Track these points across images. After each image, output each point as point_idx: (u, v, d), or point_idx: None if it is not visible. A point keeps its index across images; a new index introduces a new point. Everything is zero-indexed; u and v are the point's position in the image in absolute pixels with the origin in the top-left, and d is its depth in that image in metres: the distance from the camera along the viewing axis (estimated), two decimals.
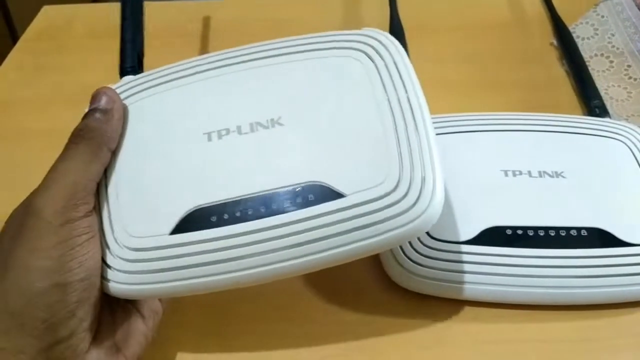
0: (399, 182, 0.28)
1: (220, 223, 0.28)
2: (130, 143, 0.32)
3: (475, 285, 0.36)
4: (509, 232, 0.36)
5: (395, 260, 0.36)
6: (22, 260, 0.26)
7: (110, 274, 0.29)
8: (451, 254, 0.36)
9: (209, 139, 0.31)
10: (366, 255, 0.28)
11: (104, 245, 0.29)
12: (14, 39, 1.14)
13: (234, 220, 0.28)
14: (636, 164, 0.40)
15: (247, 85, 0.32)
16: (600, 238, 0.36)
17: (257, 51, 0.34)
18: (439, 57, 0.56)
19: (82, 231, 0.28)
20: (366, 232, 0.27)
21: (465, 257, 0.36)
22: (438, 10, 0.62)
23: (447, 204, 0.38)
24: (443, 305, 0.37)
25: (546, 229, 0.36)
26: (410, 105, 0.30)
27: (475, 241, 0.36)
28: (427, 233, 0.36)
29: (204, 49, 0.58)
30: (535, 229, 0.36)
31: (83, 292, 0.27)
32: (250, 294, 0.38)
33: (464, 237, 0.36)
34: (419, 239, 0.36)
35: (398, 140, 0.29)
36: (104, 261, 0.29)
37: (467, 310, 0.37)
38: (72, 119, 0.50)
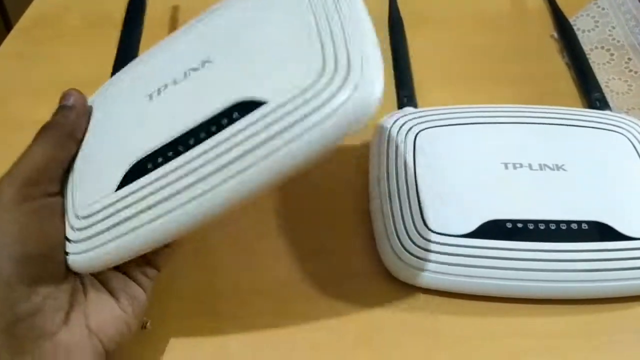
0: (322, 71, 0.26)
1: (156, 166, 0.28)
2: (94, 124, 0.33)
3: (474, 278, 0.35)
4: (509, 225, 0.36)
5: (394, 253, 0.36)
6: None
7: (69, 247, 0.29)
8: (450, 247, 0.35)
9: (150, 99, 0.32)
10: (310, 158, 0.26)
11: (67, 224, 0.30)
12: (8, 27, 1.13)
13: (167, 160, 0.28)
14: (637, 156, 0.40)
15: (184, 43, 0.34)
16: (601, 231, 0.36)
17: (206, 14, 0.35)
18: (438, 50, 0.56)
19: (41, 209, 0.29)
20: (296, 130, 0.25)
21: (465, 251, 0.35)
22: (438, 3, 0.62)
23: (447, 197, 0.37)
24: (442, 298, 0.37)
25: (546, 222, 0.36)
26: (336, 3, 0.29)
27: (475, 234, 0.36)
28: (426, 225, 0.36)
29: None
30: (536, 222, 0.36)
31: (43, 268, 0.28)
32: (245, 286, 0.38)
33: (464, 230, 0.36)
34: (417, 231, 0.36)
35: (321, 37, 0.27)
36: (66, 238, 0.29)
37: (467, 303, 0.36)
38: None
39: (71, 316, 0.29)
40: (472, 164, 0.39)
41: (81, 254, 0.29)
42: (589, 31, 0.56)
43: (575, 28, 0.56)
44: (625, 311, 0.36)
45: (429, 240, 0.36)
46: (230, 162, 0.26)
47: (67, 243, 0.29)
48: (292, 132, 0.25)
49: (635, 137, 0.41)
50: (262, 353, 0.35)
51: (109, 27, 0.59)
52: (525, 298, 0.36)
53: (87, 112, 0.34)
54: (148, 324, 0.35)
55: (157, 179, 0.28)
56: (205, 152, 0.27)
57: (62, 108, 0.33)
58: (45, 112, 0.50)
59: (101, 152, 0.31)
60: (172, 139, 0.28)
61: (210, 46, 0.32)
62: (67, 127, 0.32)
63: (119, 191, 0.29)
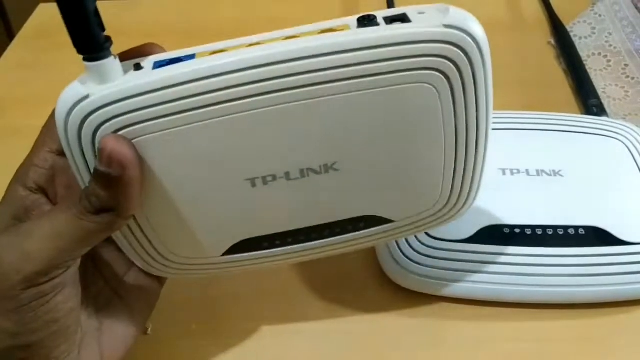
0: (446, 204, 0.30)
1: (271, 247, 0.30)
2: (160, 178, 0.26)
3: (472, 284, 0.36)
4: (506, 230, 0.36)
5: (393, 258, 0.36)
6: None
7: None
8: (449, 252, 0.36)
9: (253, 185, 0.27)
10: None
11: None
12: (11, 37, 1.14)
13: (285, 244, 0.30)
14: (634, 162, 0.40)
15: (290, 121, 0.25)
16: (598, 237, 0.36)
17: (310, 68, 0.25)
18: None
19: (48, 291, 0.24)
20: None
21: (463, 256, 0.36)
22: None
23: None
24: (440, 303, 0.37)
25: (544, 227, 0.36)
26: (477, 126, 0.28)
27: (472, 240, 0.36)
28: (425, 232, 0.36)
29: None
30: (533, 227, 0.36)
31: (54, 341, 0.25)
32: (244, 291, 0.38)
33: (462, 235, 0.36)
34: (416, 237, 0.36)
35: (455, 168, 0.28)
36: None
37: (465, 309, 0.37)
38: None
39: (86, 335, 0.28)
40: None
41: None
42: (585, 38, 0.57)
43: (572, 35, 0.56)
44: (622, 315, 0.36)
45: (427, 246, 0.36)
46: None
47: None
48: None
49: (632, 143, 0.41)
50: (260, 357, 0.35)
51: (110, 36, 0.59)
52: (523, 303, 0.36)
53: (139, 177, 0.25)
54: (149, 329, 0.35)
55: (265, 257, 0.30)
56: (326, 245, 0.30)
57: (103, 178, 0.24)
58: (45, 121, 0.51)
59: (193, 216, 0.27)
60: (292, 229, 0.29)
61: (331, 146, 0.26)
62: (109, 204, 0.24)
63: (225, 256, 0.29)
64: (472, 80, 0.26)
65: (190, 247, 0.29)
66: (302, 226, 0.29)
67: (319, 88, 0.24)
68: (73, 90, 0.25)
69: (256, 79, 0.24)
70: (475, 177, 0.29)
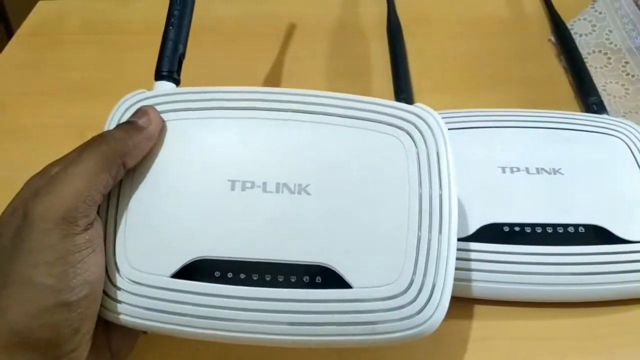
0: (409, 286, 0.28)
1: (221, 280, 0.28)
2: (152, 168, 0.30)
3: (472, 282, 0.36)
4: (506, 229, 0.36)
5: None
6: (24, 276, 0.25)
7: (107, 301, 0.28)
8: None
9: (232, 189, 0.29)
10: (360, 347, 0.28)
11: (108, 259, 0.29)
12: (9, 34, 1.14)
13: (236, 281, 0.28)
14: (633, 160, 0.40)
15: (284, 141, 0.31)
16: (598, 235, 0.36)
17: (308, 102, 0.32)
18: (436, 53, 0.56)
19: (83, 246, 0.26)
20: (363, 329, 0.27)
21: (463, 254, 0.36)
22: (435, 6, 0.62)
23: None
24: None
25: (543, 225, 0.36)
26: (440, 205, 0.29)
27: (472, 238, 0.36)
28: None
29: (199, 48, 0.58)
30: (533, 225, 0.36)
31: (87, 308, 0.26)
32: None
33: (462, 234, 0.36)
34: None
35: (419, 242, 0.28)
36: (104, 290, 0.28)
37: (464, 307, 0.37)
38: (68, 115, 0.51)
39: (97, 343, 0.28)
40: (469, 167, 0.39)
41: (118, 315, 0.28)
42: (586, 35, 0.56)
43: (572, 32, 0.56)
44: (622, 314, 0.36)
45: None
46: (294, 324, 0.27)
47: (103, 295, 0.28)
48: (359, 329, 0.27)
49: (632, 140, 0.41)
50: (261, 356, 0.35)
51: (109, 33, 0.59)
52: (523, 301, 0.36)
53: (153, 139, 0.30)
54: None
55: (219, 295, 0.28)
56: (276, 299, 0.28)
57: (128, 124, 0.29)
58: (46, 117, 0.51)
59: (164, 214, 0.29)
60: (249, 260, 0.28)
61: (309, 172, 0.30)
62: (121, 148, 0.28)
63: (175, 280, 0.28)
64: (436, 158, 0.30)
65: (147, 255, 0.29)
66: (260, 256, 0.28)
67: (314, 114, 0.31)
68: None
69: (266, 98, 0.32)
70: (438, 273, 0.28)
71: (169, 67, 0.35)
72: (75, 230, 0.26)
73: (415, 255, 0.28)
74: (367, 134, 0.31)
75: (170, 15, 0.37)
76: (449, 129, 0.41)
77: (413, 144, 0.31)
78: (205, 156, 0.31)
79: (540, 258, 0.35)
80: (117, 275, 0.28)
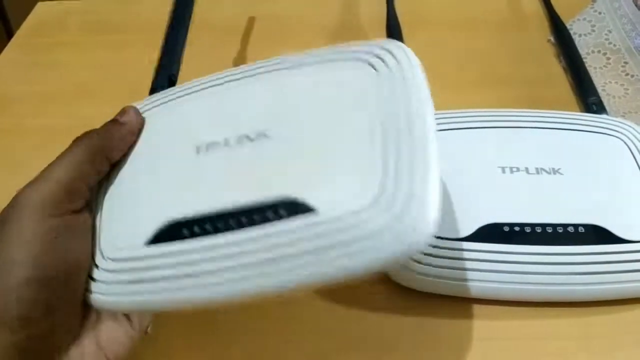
0: (379, 196, 0.25)
1: (191, 236, 0.28)
2: (130, 158, 0.32)
3: (472, 282, 0.36)
4: (506, 228, 0.36)
5: None
6: (3, 253, 0.26)
7: (93, 285, 0.28)
8: (448, 250, 0.36)
9: (197, 152, 0.30)
10: (349, 278, 0.25)
11: (94, 251, 0.29)
12: (9, 35, 1.14)
13: (204, 234, 0.28)
14: (633, 160, 0.40)
15: (245, 99, 0.32)
16: (597, 235, 0.36)
17: (262, 65, 0.33)
18: (435, 54, 0.56)
19: (64, 229, 0.27)
20: (340, 250, 0.25)
21: (462, 254, 0.36)
22: (435, 7, 0.62)
23: (445, 201, 0.37)
24: (440, 302, 0.37)
25: (543, 225, 0.36)
26: (408, 119, 0.27)
27: (472, 238, 0.36)
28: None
29: (197, 47, 0.58)
30: (533, 225, 0.36)
31: (64, 289, 0.27)
32: None
33: (461, 233, 0.36)
34: None
35: (386, 154, 0.26)
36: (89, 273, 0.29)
37: (464, 307, 0.37)
38: (67, 115, 0.51)
39: (82, 333, 0.29)
40: (469, 167, 0.39)
41: (104, 296, 0.28)
42: (585, 35, 0.57)
43: (571, 32, 0.56)
44: (622, 314, 0.36)
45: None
46: (266, 262, 0.26)
47: (89, 279, 0.29)
48: (332, 253, 0.25)
49: (631, 140, 0.41)
50: (261, 356, 0.35)
51: (109, 34, 0.59)
52: (522, 301, 0.36)
53: (134, 133, 0.32)
54: (149, 328, 0.35)
55: (190, 251, 0.27)
56: (243, 241, 0.27)
57: (112, 122, 0.32)
58: (46, 118, 0.51)
59: (136, 190, 0.31)
60: (213, 212, 0.28)
61: (268, 117, 0.30)
62: (106, 143, 0.31)
63: (149, 247, 0.28)
64: (402, 76, 0.29)
65: (123, 232, 0.29)
66: (225, 206, 0.28)
67: (274, 71, 0.32)
68: None
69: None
70: (413, 180, 0.25)
71: (159, 84, 0.40)
72: (57, 212, 0.27)
73: (381, 167, 0.26)
74: (328, 74, 0.31)
75: (165, 40, 0.41)
76: (448, 129, 0.42)
77: (373, 70, 0.30)
78: (170, 131, 0.32)
79: (540, 258, 0.35)
80: (101, 259, 0.29)
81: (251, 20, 0.61)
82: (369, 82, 0.30)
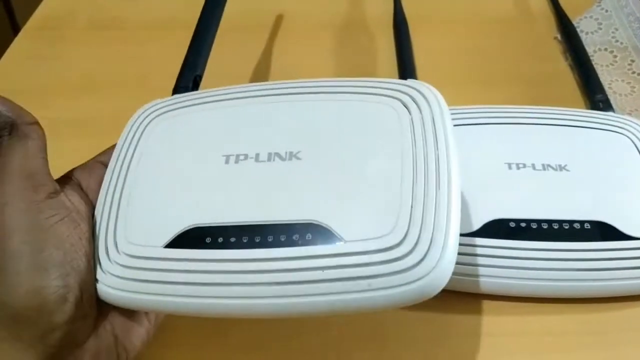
0: (404, 239, 0.26)
1: (213, 246, 0.28)
2: (155, 157, 0.32)
3: (478, 277, 0.36)
4: (512, 224, 0.36)
5: None
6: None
7: (102, 276, 0.29)
8: None
9: (227, 162, 0.30)
10: (360, 312, 0.26)
11: (99, 243, 0.29)
12: (15, 28, 1.14)
13: (227, 246, 0.28)
14: (639, 157, 0.40)
15: (277, 117, 0.32)
16: (603, 231, 0.36)
17: (296, 87, 0.33)
18: (443, 51, 0.56)
19: (50, 213, 0.27)
20: (357, 285, 0.25)
21: (468, 250, 0.36)
22: (442, 4, 0.62)
23: None
24: (445, 297, 0.36)
25: (549, 221, 0.36)
26: (437, 163, 0.28)
27: (478, 233, 0.36)
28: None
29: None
30: (539, 221, 0.36)
31: (67, 276, 0.27)
32: None
33: (468, 229, 0.36)
34: None
35: (413, 196, 0.27)
36: (99, 262, 0.29)
37: (469, 302, 0.37)
38: (74, 109, 0.51)
39: (99, 325, 0.29)
40: (476, 163, 0.39)
41: (114, 290, 0.28)
42: (592, 33, 0.56)
43: (578, 30, 0.56)
44: (628, 310, 0.36)
45: None
46: (286, 283, 0.26)
47: (97, 267, 0.29)
48: (353, 285, 0.26)
49: (637, 138, 0.41)
50: (264, 352, 0.35)
51: (116, 29, 0.60)
52: (528, 296, 0.36)
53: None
54: None
55: (210, 260, 0.27)
56: (267, 259, 0.27)
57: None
58: (53, 111, 0.51)
59: (160, 191, 0.31)
60: (239, 224, 0.28)
61: (301, 139, 0.30)
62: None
63: (168, 249, 0.28)
64: (431, 121, 0.30)
65: (143, 230, 0.29)
66: (249, 219, 0.28)
67: (305, 94, 0.33)
68: None
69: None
70: (438, 223, 0.26)
71: (184, 84, 0.38)
72: (38, 198, 0.27)
73: (410, 209, 0.27)
74: (360, 104, 0.32)
75: (193, 39, 0.41)
76: (455, 125, 0.41)
77: (406, 110, 0.30)
78: (199, 136, 0.32)
79: (546, 254, 0.35)
80: (115, 252, 0.29)
81: (257, 17, 0.61)
82: (402, 120, 0.30)
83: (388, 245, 0.26)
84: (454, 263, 0.26)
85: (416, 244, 0.26)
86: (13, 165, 0.27)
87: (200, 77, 0.39)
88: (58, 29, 0.60)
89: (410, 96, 0.31)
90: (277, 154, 0.30)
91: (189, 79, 0.38)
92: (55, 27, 0.60)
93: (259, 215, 0.28)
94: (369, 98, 0.32)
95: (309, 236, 0.27)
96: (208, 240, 0.28)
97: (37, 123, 0.30)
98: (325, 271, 0.26)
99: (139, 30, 0.58)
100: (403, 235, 0.26)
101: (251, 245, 0.27)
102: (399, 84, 0.32)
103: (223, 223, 0.28)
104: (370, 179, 0.28)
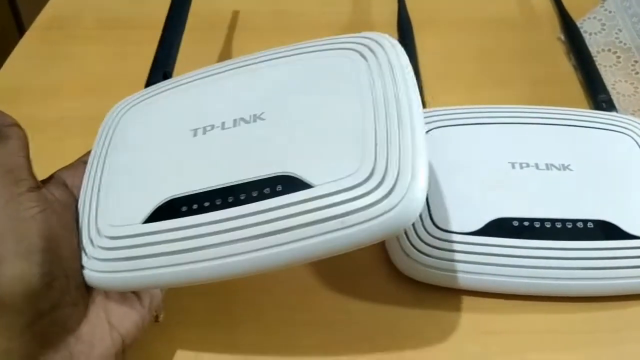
0: (371, 174, 0.27)
1: (189, 213, 0.28)
2: (127, 143, 0.33)
3: (481, 275, 0.36)
4: (515, 223, 0.36)
5: (402, 249, 0.37)
6: None
7: (86, 260, 0.29)
8: (458, 244, 0.36)
9: (195, 135, 0.31)
10: (341, 251, 0.27)
11: (83, 232, 0.30)
12: (21, 29, 1.15)
13: (202, 210, 0.28)
14: None
15: (239, 87, 0.33)
16: (606, 230, 0.36)
17: (255, 57, 0.35)
18: (447, 51, 0.56)
19: (30, 205, 0.28)
20: (332, 225, 0.26)
21: (472, 248, 0.36)
22: (446, 5, 0.62)
23: (454, 195, 0.38)
24: (449, 295, 0.37)
25: (552, 220, 0.36)
26: (397, 102, 0.29)
27: (481, 232, 0.36)
28: (434, 223, 0.37)
29: (206, 42, 0.58)
30: (542, 220, 0.36)
31: (50, 263, 0.27)
32: (253, 282, 0.38)
33: (471, 228, 0.36)
34: (425, 229, 0.36)
35: (376, 134, 0.28)
36: (84, 250, 0.30)
37: (473, 300, 0.37)
38: (82, 108, 0.51)
39: (91, 311, 0.30)
40: (480, 163, 0.39)
41: (99, 273, 0.29)
42: (595, 34, 0.57)
43: (582, 31, 0.56)
44: (631, 309, 0.36)
45: (437, 238, 0.36)
46: (264, 235, 0.27)
47: (83, 254, 0.30)
48: (328, 226, 0.26)
49: None
50: (270, 348, 0.36)
51: (122, 28, 0.60)
52: (531, 295, 0.37)
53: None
54: (161, 316, 0.36)
55: (188, 227, 0.28)
56: (242, 216, 0.27)
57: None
58: (60, 111, 0.51)
59: (135, 172, 0.32)
60: (211, 188, 0.29)
61: (264, 101, 0.32)
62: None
63: (147, 224, 0.29)
64: (387, 62, 0.31)
65: (120, 210, 0.30)
66: (220, 182, 0.29)
67: (262, 62, 0.34)
68: None
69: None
70: (403, 156, 0.27)
71: (154, 79, 0.40)
72: (19, 191, 0.28)
73: (374, 145, 0.28)
74: (317, 61, 0.33)
75: (161, 37, 0.43)
76: (459, 125, 0.42)
77: (362, 58, 0.32)
78: (166, 118, 0.34)
79: (549, 253, 0.35)
80: (97, 236, 0.30)
81: (261, 17, 0.61)
82: (359, 69, 0.31)
83: (357, 182, 0.27)
84: (425, 191, 0.26)
85: (384, 176, 0.27)
86: None
87: (170, 72, 0.41)
88: (65, 29, 0.60)
89: (366, 45, 0.32)
90: (242, 119, 0.31)
91: (158, 74, 0.41)
92: (62, 26, 0.61)
93: (230, 177, 0.29)
94: (325, 54, 0.33)
95: (279, 187, 0.28)
96: (184, 209, 0.29)
97: (16, 125, 0.31)
98: (301, 216, 0.27)
99: (146, 30, 0.58)
100: (370, 170, 0.27)
101: (226, 205, 0.28)
102: (355, 36, 0.33)
103: (196, 190, 0.29)
104: (332, 125, 0.29)
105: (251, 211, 0.27)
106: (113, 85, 0.53)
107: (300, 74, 0.33)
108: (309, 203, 0.27)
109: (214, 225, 0.28)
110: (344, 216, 0.26)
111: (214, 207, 0.28)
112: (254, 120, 0.31)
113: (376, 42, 0.32)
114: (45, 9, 0.63)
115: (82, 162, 0.34)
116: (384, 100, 0.29)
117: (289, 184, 0.28)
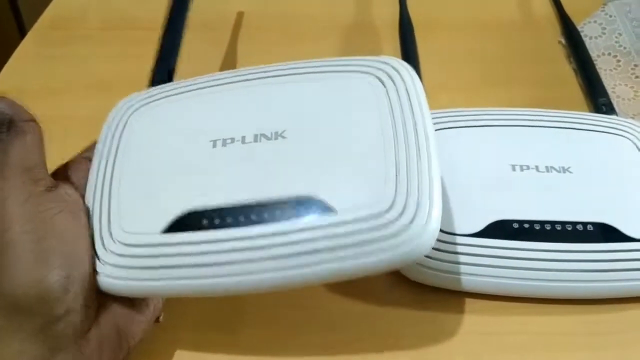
0: (392, 205, 0.28)
1: (210, 227, 0.29)
2: (143, 147, 0.33)
3: (481, 277, 0.36)
4: (515, 225, 0.37)
5: None
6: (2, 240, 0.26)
7: (100, 266, 0.29)
8: (458, 246, 0.36)
9: (214, 146, 0.31)
10: (355, 277, 0.28)
11: (97, 234, 0.30)
12: (21, 30, 1.15)
13: (224, 226, 0.28)
14: None
15: (258, 99, 0.34)
16: (606, 233, 0.36)
17: (274, 69, 0.35)
18: (448, 54, 0.57)
19: (49, 205, 0.28)
20: (353, 251, 0.27)
21: (472, 250, 0.36)
22: (448, 7, 0.62)
23: (455, 197, 0.38)
24: (449, 297, 0.37)
25: (552, 223, 0.37)
26: (415, 132, 0.30)
27: (482, 234, 0.36)
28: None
29: (210, 42, 0.58)
30: (542, 223, 0.37)
31: (69, 267, 0.27)
32: None
33: (471, 230, 0.37)
34: None
35: (397, 164, 0.29)
36: (96, 253, 0.29)
37: (473, 302, 0.37)
38: (87, 108, 0.51)
39: (100, 314, 0.30)
40: (480, 165, 0.39)
41: (114, 280, 0.29)
42: (596, 38, 0.57)
43: (582, 34, 0.56)
44: (631, 311, 0.36)
45: (437, 239, 0.36)
46: (284, 257, 0.27)
47: (97, 261, 0.29)
48: (348, 253, 0.27)
49: None
50: (270, 348, 0.36)
51: (126, 29, 0.60)
52: (532, 297, 0.37)
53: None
54: (161, 317, 0.36)
55: (208, 242, 0.28)
56: (263, 236, 0.28)
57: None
58: (63, 110, 0.51)
59: (151, 178, 0.31)
60: (234, 204, 0.29)
61: (284, 118, 0.32)
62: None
63: (166, 235, 0.29)
64: (406, 93, 0.32)
65: (138, 218, 0.30)
66: (243, 199, 0.29)
67: (284, 76, 0.34)
68: None
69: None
70: (422, 187, 0.28)
71: (159, 77, 0.41)
72: (37, 190, 0.28)
73: (394, 174, 0.29)
74: (336, 83, 0.34)
75: (164, 35, 0.44)
76: (460, 127, 0.42)
77: (380, 83, 0.33)
78: (183, 124, 0.34)
79: (549, 255, 0.36)
80: (111, 242, 0.30)
81: (261, 18, 0.61)
82: (378, 94, 0.32)
83: (379, 210, 0.28)
84: (440, 219, 0.28)
85: (404, 207, 0.28)
86: (13, 160, 0.28)
87: (173, 70, 0.41)
88: (68, 29, 0.60)
89: (383, 71, 0.33)
90: (263, 135, 0.31)
91: (163, 72, 0.41)
92: (65, 26, 0.61)
93: (254, 194, 0.29)
94: (344, 76, 0.34)
95: (302, 210, 0.28)
96: (205, 222, 0.29)
97: (34, 120, 0.30)
98: (323, 242, 0.27)
99: (150, 30, 0.58)
100: (391, 200, 0.28)
101: (248, 223, 0.28)
102: (372, 60, 0.34)
103: (218, 205, 0.29)
104: (354, 151, 0.30)
105: (274, 231, 0.28)
106: (117, 86, 0.53)
107: (319, 94, 0.33)
108: (333, 229, 0.28)
109: (235, 242, 0.28)
110: (364, 244, 0.27)
111: (236, 224, 0.28)
112: (275, 138, 0.31)
113: (392, 67, 0.33)
114: (48, 9, 0.63)
115: (83, 158, 0.34)
116: (404, 129, 0.30)
117: (312, 207, 0.28)
